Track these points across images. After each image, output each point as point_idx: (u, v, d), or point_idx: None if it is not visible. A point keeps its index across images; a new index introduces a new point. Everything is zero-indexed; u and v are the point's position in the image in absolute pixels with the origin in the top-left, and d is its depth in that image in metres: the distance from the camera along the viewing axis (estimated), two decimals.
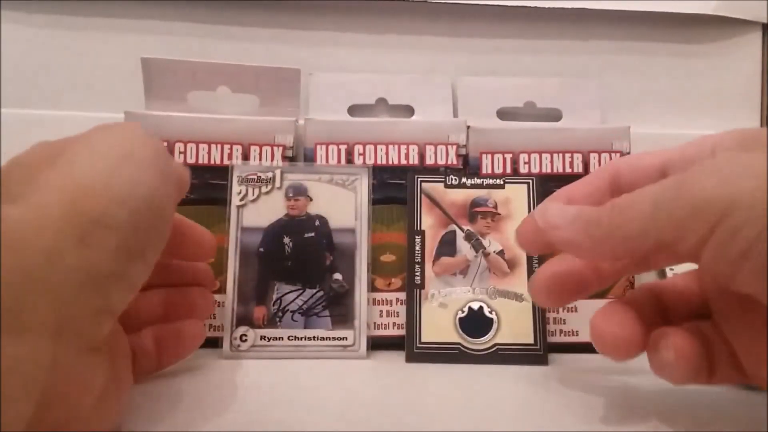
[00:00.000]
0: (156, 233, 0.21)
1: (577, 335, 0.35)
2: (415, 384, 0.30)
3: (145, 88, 0.38)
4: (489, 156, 0.39)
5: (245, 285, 0.34)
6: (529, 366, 0.32)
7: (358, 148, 0.38)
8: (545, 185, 0.37)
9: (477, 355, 0.33)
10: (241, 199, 0.35)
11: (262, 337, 0.33)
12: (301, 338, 0.33)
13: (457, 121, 0.39)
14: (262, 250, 0.34)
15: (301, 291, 0.34)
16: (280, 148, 0.38)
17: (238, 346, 0.33)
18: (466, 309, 0.34)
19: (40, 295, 0.17)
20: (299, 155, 0.38)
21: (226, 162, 0.37)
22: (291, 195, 0.35)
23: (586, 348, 0.35)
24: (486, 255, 0.35)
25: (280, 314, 0.34)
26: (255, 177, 0.35)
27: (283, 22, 0.45)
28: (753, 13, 0.46)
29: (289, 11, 0.45)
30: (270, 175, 0.35)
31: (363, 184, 0.36)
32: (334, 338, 0.33)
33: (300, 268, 0.34)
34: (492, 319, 0.33)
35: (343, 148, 0.38)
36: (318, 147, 0.38)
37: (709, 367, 0.22)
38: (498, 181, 0.36)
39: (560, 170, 0.39)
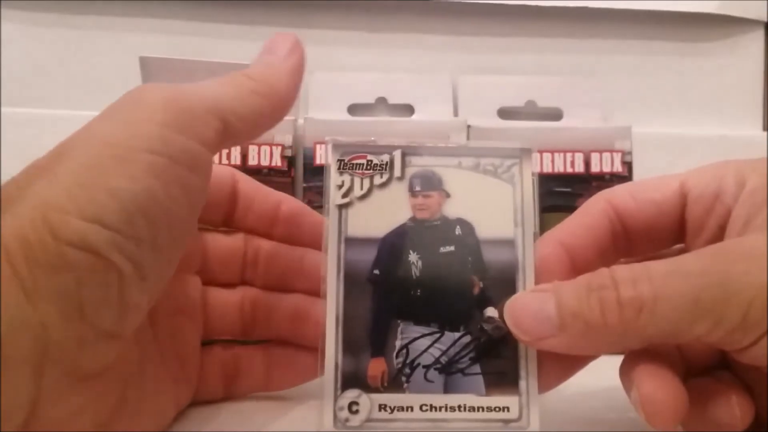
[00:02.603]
0: (162, 246, 0.18)
1: None
2: None
3: None
4: None
5: (354, 327, 0.23)
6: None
7: None
8: (546, 184, 0.37)
9: None
10: (343, 195, 0.24)
11: (382, 407, 0.22)
12: (440, 408, 0.22)
13: (457, 120, 0.39)
14: (377, 272, 0.24)
15: (438, 335, 0.23)
16: (279, 148, 0.37)
17: (346, 420, 0.22)
18: None
19: (16, 328, 0.15)
20: (298, 155, 0.38)
21: (224, 161, 0.37)
22: (418, 189, 0.24)
23: None
24: None
25: (407, 371, 0.23)
26: (364, 162, 0.24)
27: (282, 21, 0.45)
28: (755, 11, 0.46)
29: (289, 10, 0.45)
30: (386, 159, 0.24)
31: (525, 173, 0.24)
32: (489, 408, 0.22)
33: (435, 301, 0.24)
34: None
35: None
36: (318, 146, 0.38)
37: None
38: None
39: (561, 170, 0.38)
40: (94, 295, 0.17)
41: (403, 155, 0.24)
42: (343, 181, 0.24)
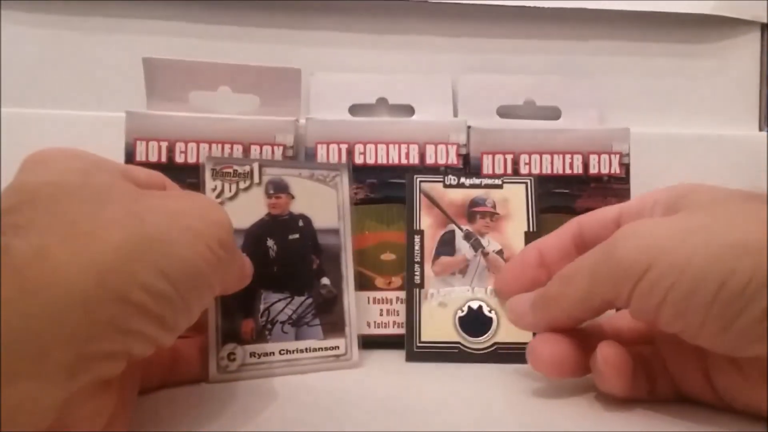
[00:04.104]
0: (197, 306, 0.21)
1: None
2: (415, 383, 0.30)
3: (147, 88, 0.38)
4: (490, 156, 0.39)
5: (229, 296, 0.28)
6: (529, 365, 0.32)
7: (358, 148, 0.38)
8: (544, 186, 0.37)
9: (477, 354, 0.33)
10: (217, 197, 0.31)
11: (253, 354, 0.30)
12: (293, 351, 0.30)
13: (457, 120, 0.40)
14: (244, 255, 0.30)
15: (289, 299, 0.31)
16: (281, 148, 0.38)
17: (227, 366, 0.29)
18: (465, 308, 0.34)
19: (62, 340, 0.16)
20: (300, 155, 0.38)
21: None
22: (272, 191, 0.32)
23: None
24: (485, 254, 0.35)
25: (269, 326, 0.31)
26: (231, 171, 0.31)
27: (284, 22, 0.45)
28: (752, 12, 0.46)
29: (290, 11, 0.45)
30: (247, 168, 0.32)
31: (344, 182, 0.34)
32: (326, 348, 0.31)
33: (287, 274, 0.32)
34: (491, 318, 0.34)
35: (343, 147, 0.38)
36: (319, 146, 0.38)
37: (649, 382, 0.26)
38: (496, 181, 0.37)
39: (560, 171, 0.39)
40: (136, 330, 0.19)
41: (260, 167, 0.32)
42: (216, 186, 0.31)
